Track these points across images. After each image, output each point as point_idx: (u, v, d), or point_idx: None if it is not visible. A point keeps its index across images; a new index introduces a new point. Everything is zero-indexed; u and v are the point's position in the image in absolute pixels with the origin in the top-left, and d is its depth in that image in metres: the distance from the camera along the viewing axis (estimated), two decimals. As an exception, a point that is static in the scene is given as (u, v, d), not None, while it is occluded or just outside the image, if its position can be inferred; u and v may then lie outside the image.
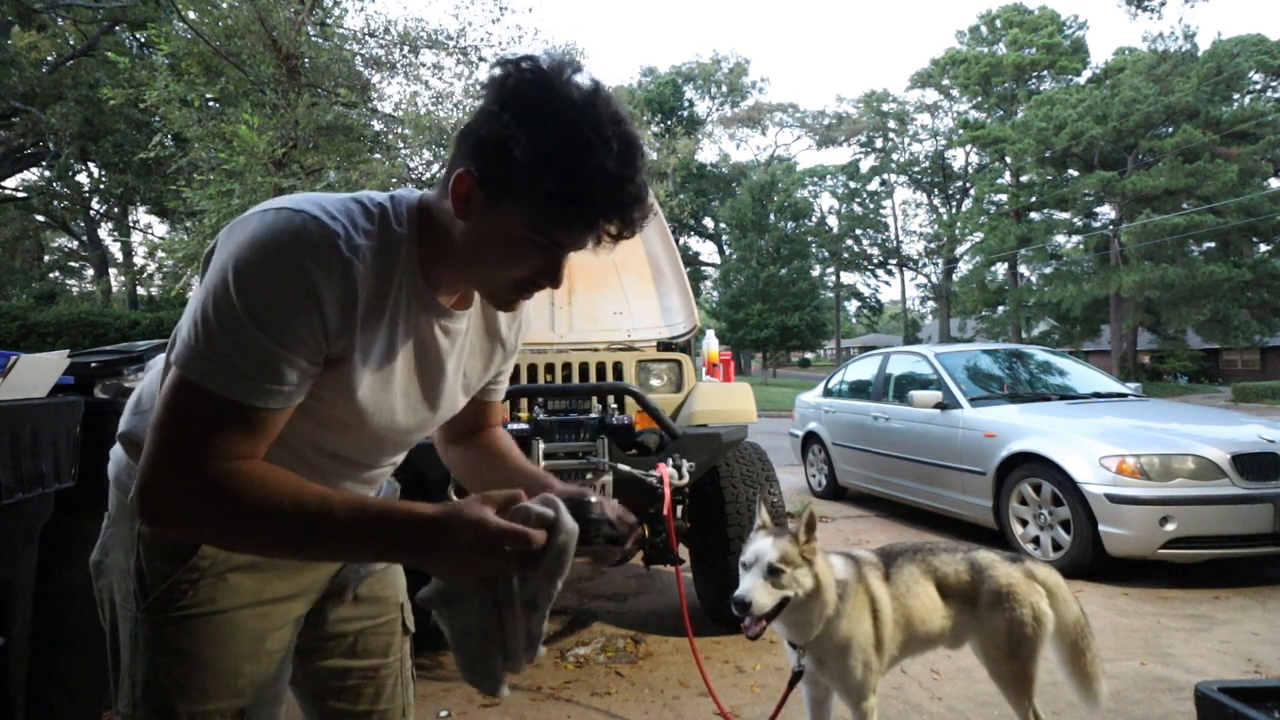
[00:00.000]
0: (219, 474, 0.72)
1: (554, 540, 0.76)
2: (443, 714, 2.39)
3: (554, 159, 0.72)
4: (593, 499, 0.84)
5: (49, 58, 16.93)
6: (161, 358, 0.91)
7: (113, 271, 25.26)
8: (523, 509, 0.77)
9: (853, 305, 47.26)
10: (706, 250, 46.04)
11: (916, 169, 41.03)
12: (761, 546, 1.62)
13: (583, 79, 0.76)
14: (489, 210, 0.78)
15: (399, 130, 10.96)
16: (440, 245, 0.84)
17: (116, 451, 0.95)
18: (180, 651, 0.87)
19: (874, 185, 42.71)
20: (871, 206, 43.01)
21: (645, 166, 0.78)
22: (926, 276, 42.93)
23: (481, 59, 11.24)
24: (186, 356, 0.73)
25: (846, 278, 44.08)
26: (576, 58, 0.77)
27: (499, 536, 0.73)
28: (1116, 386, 5.36)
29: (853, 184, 42.69)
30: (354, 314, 0.78)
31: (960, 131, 35.65)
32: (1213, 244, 25.61)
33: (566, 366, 3.14)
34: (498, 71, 0.77)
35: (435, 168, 11.29)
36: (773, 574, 1.58)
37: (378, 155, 10.71)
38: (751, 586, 1.57)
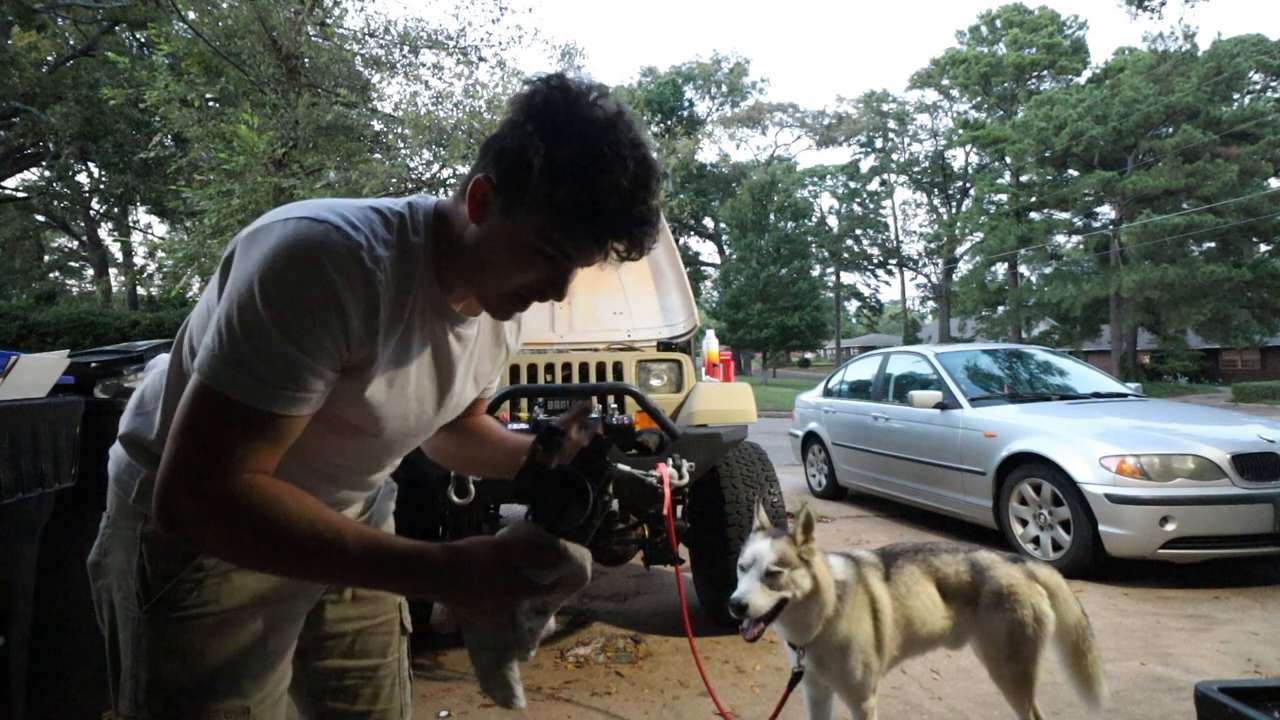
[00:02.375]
0: (239, 488, 0.73)
1: (563, 581, 0.79)
2: (443, 714, 2.39)
3: (570, 171, 0.74)
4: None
5: (49, 58, 16.90)
6: (164, 357, 0.91)
7: (113, 271, 25.26)
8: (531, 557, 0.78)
9: (853, 305, 47.23)
10: (706, 250, 46.08)
11: (916, 169, 41.01)
12: (759, 548, 1.62)
13: (608, 103, 0.78)
14: (503, 217, 0.79)
15: (399, 130, 10.93)
16: (455, 252, 0.85)
17: (117, 451, 0.95)
18: (184, 652, 0.87)
19: (874, 185, 42.70)
20: (871, 206, 42.98)
21: (660, 193, 0.79)
22: (926, 276, 42.96)
23: (481, 59, 11.22)
24: (210, 365, 0.73)
25: (846, 278, 44.10)
26: (602, 82, 0.79)
27: (513, 590, 0.77)
28: (1116, 386, 5.36)
29: (853, 184, 42.66)
30: (376, 323, 0.79)
31: (960, 131, 35.65)
32: (1213, 244, 25.60)
33: (566, 366, 3.14)
34: (526, 88, 0.79)
35: (435, 168, 11.28)
36: (770, 576, 1.58)
37: (378, 155, 10.68)
38: (748, 589, 1.56)
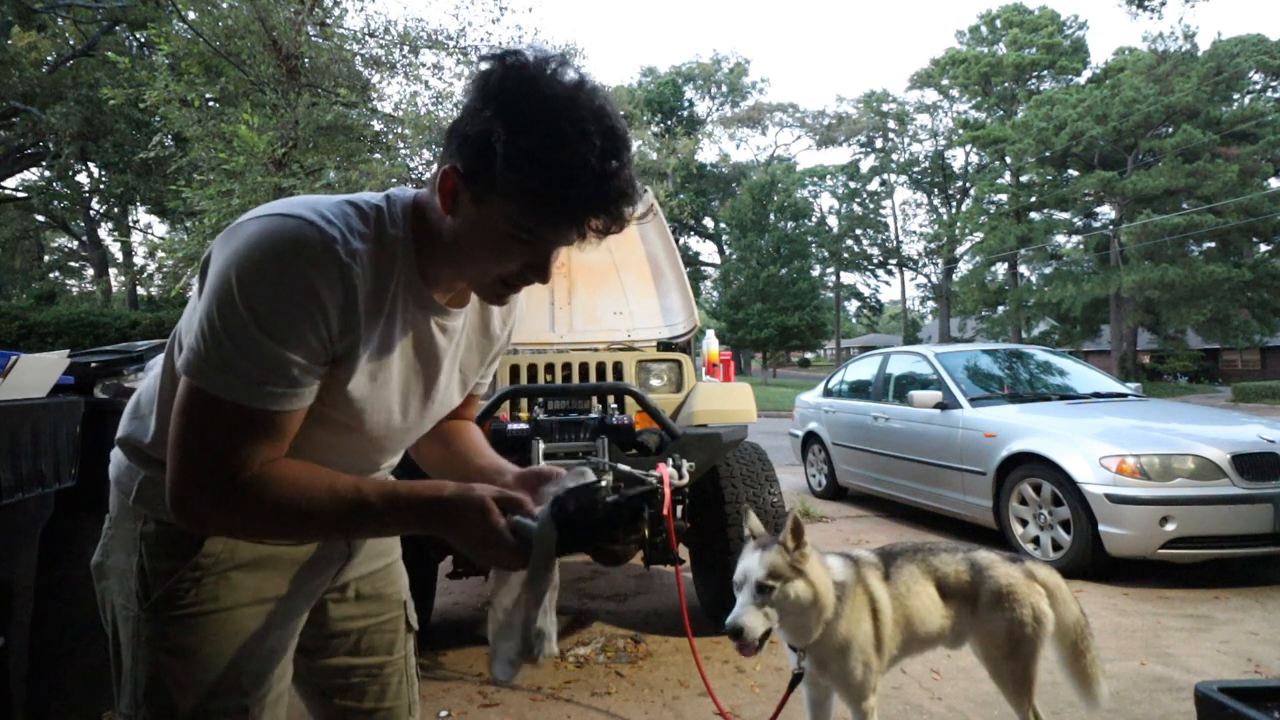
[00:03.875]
0: (251, 482, 0.75)
1: (531, 554, 0.81)
2: (443, 714, 2.39)
3: (534, 156, 0.72)
4: (597, 481, 0.87)
5: (49, 58, 16.92)
6: (160, 359, 0.91)
7: (113, 271, 25.25)
8: (514, 522, 0.82)
9: (853, 305, 47.23)
10: (706, 250, 46.08)
11: (916, 169, 41.02)
12: (749, 564, 1.58)
13: (568, 73, 0.75)
14: (475, 207, 0.78)
15: (399, 130, 10.93)
16: (435, 243, 0.84)
17: (116, 454, 0.95)
18: (183, 650, 0.88)
19: (874, 185, 42.71)
20: (871, 206, 42.99)
21: (631, 161, 0.77)
22: (926, 276, 42.96)
23: (481, 59, 11.19)
24: (197, 367, 0.74)
25: (846, 278, 44.09)
26: (567, 53, 0.77)
27: (490, 533, 0.80)
28: (1116, 386, 5.35)
29: (853, 184, 42.67)
30: (354, 317, 0.79)
31: (960, 131, 35.65)
32: (1213, 244, 25.59)
33: (566, 366, 3.14)
34: (483, 66, 0.77)
35: (435, 168, 11.26)
36: (762, 592, 1.55)
37: (378, 155, 10.68)
38: (741, 612, 1.54)
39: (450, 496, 0.81)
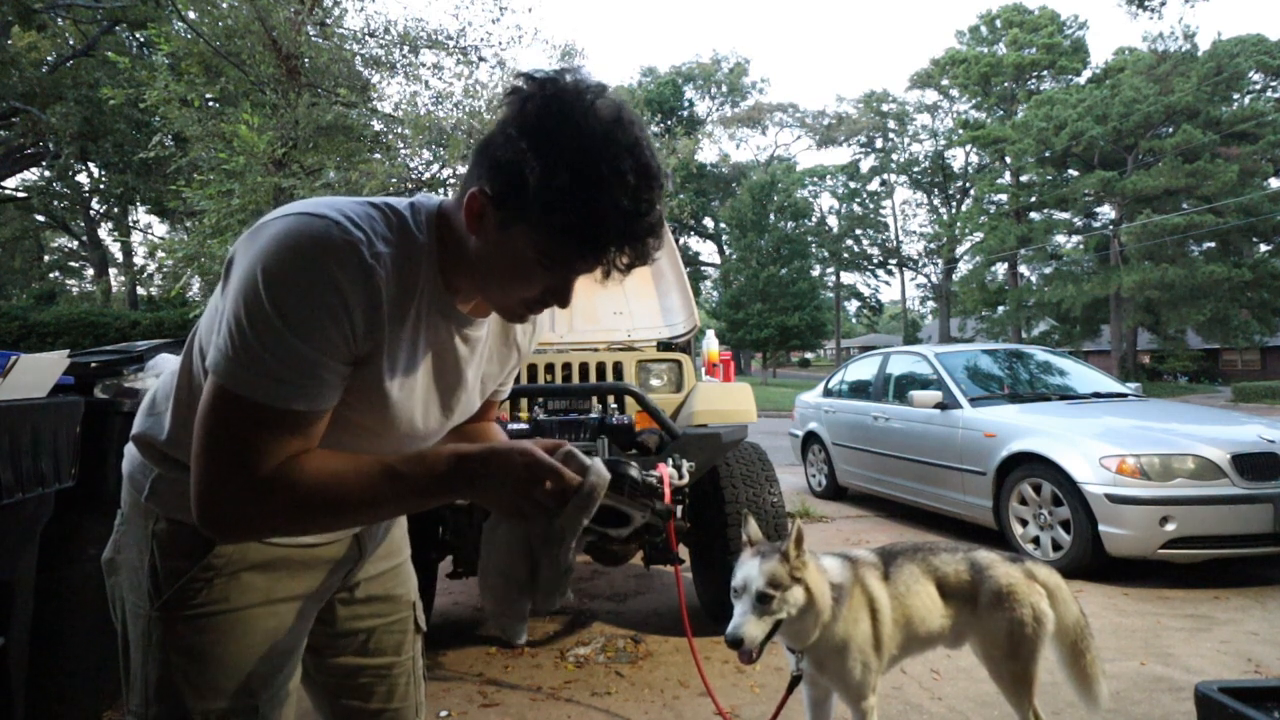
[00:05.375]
0: (278, 477, 0.74)
1: (585, 481, 0.82)
2: (443, 714, 2.39)
3: (567, 194, 0.72)
4: (632, 469, 0.90)
5: (49, 58, 16.91)
6: (171, 358, 0.92)
7: (113, 271, 25.26)
8: (565, 452, 0.83)
9: (853, 305, 47.23)
10: (706, 250, 46.07)
11: (916, 169, 41.01)
12: (748, 573, 1.59)
13: (604, 105, 0.75)
14: (501, 231, 0.78)
15: (399, 130, 10.92)
16: (458, 256, 0.84)
17: (130, 450, 0.95)
18: (193, 650, 0.88)
19: (874, 185, 42.71)
20: (871, 206, 42.99)
21: (662, 196, 0.78)
22: (926, 276, 42.96)
23: (481, 59, 11.22)
24: (224, 366, 0.73)
25: (846, 278, 44.10)
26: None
27: (542, 470, 0.79)
28: (1116, 386, 5.35)
29: (853, 184, 42.67)
30: (379, 319, 0.79)
31: (960, 131, 35.65)
32: (1213, 244, 25.59)
33: (566, 366, 3.14)
34: (522, 87, 0.76)
35: (435, 168, 11.29)
36: (762, 601, 1.56)
37: (378, 155, 10.67)
38: (741, 621, 1.54)
39: (485, 446, 0.80)
